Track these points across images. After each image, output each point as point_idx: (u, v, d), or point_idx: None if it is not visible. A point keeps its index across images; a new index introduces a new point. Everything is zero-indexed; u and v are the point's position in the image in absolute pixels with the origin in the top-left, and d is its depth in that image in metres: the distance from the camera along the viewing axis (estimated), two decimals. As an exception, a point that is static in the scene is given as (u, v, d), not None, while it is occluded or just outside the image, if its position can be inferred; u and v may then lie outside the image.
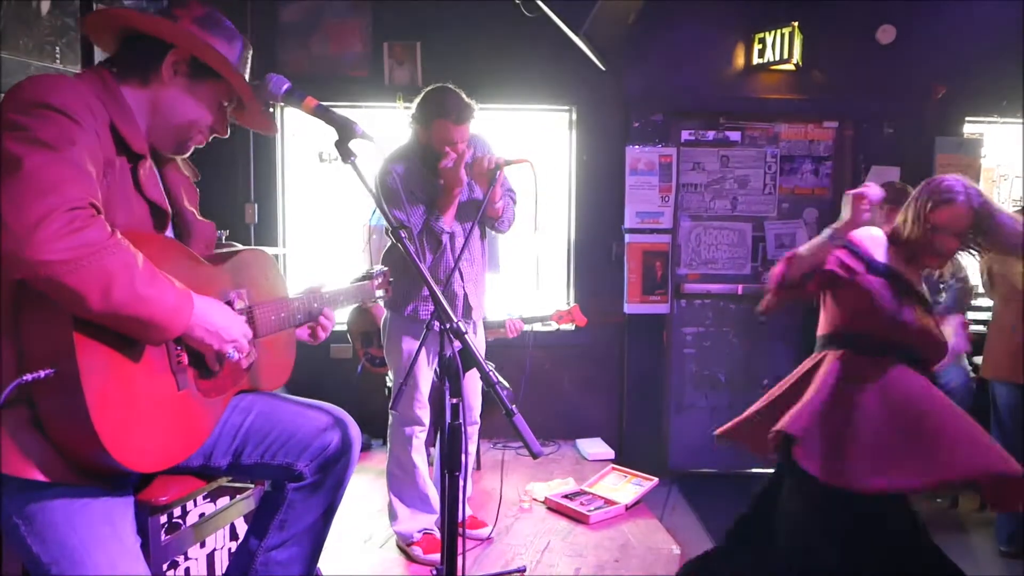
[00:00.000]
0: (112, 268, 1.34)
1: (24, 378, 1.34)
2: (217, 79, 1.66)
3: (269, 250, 4.18)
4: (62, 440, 1.42)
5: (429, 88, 3.00)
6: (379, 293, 2.25)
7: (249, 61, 1.76)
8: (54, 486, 1.45)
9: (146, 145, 1.62)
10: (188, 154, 1.76)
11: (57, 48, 3.39)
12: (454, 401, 1.63)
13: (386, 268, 2.29)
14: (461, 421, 1.64)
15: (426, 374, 3.11)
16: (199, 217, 1.81)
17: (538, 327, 4.75)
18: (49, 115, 1.38)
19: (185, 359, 1.60)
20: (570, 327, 4.74)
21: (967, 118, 4.71)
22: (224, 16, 1.70)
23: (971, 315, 4.27)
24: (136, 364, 1.48)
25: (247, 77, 1.74)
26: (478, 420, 3.34)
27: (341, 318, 4.08)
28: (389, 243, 3.16)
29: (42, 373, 1.35)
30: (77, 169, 1.36)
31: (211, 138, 1.76)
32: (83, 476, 1.47)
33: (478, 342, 3.29)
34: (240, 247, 1.93)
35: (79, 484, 1.48)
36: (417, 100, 3.01)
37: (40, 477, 1.42)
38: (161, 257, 1.48)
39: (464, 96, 2.94)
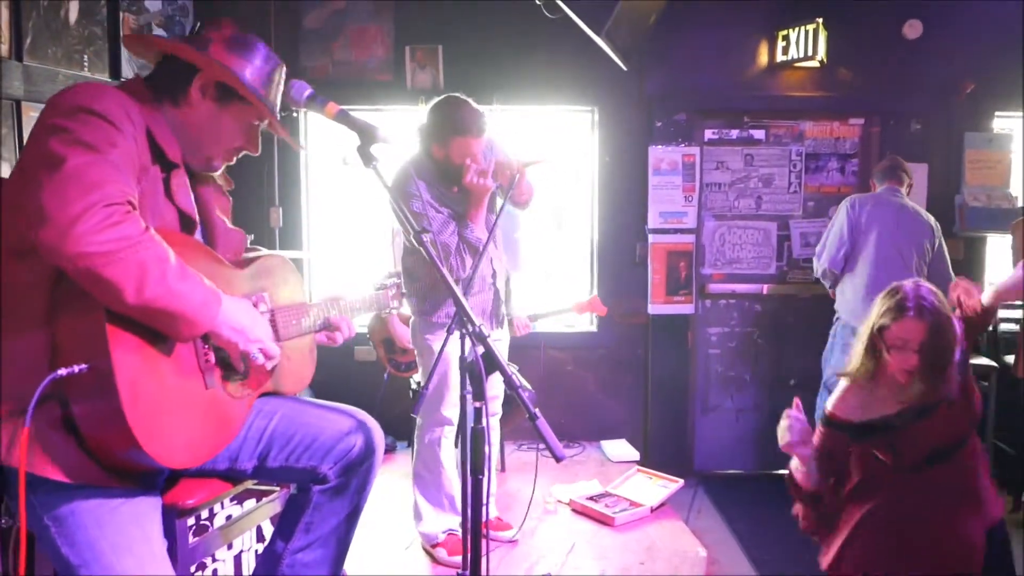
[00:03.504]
0: (146, 262, 1.38)
1: (59, 372, 1.38)
2: (245, 102, 1.69)
3: (293, 254, 4.24)
4: (94, 436, 1.45)
5: (437, 102, 2.95)
6: (394, 304, 2.25)
7: (282, 81, 1.77)
8: (85, 488, 1.48)
9: (180, 154, 1.66)
10: (218, 172, 1.80)
11: (85, 56, 3.45)
12: (477, 405, 1.64)
13: (399, 281, 2.29)
14: (484, 425, 1.64)
15: (458, 374, 3.11)
16: (230, 226, 1.85)
17: (562, 329, 4.76)
18: (91, 119, 1.44)
19: (212, 358, 1.63)
20: (593, 328, 4.77)
21: (996, 113, 4.62)
22: (257, 37, 1.72)
23: (1003, 313, 4.21)
24: (166, 361, 1.52)
25: (279, 97, 1.76)
26: (499, 411, 3.33)
27: (363, 322, 4.10)
28: (404, 248, 3.16)
29: (76, 368, 1.38)
30: (116, 170, 1.42)
31: (241, 155, 1.79)
32: (111, 478, 1.50)
33: (503, 333, 3.29)
34: (263, 251, 1.96)
35: (107, 486, 1.50)
36: (428, 114, 2.95)
37: (63, 478, 1.45)
38: (186, 257, 1.51)
39: (475, 105, 2.91)
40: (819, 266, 4.11)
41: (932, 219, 3.96)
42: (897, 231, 3.89)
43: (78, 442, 1.46)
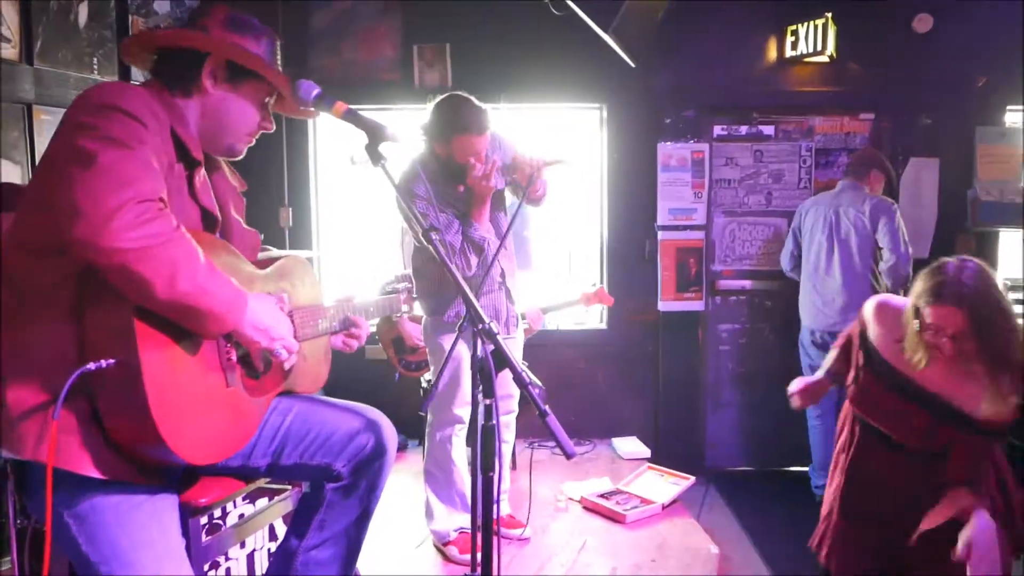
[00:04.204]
0: (178, 258, 1.40)
1: (87, 367, 1.39)
2: (256, 78, 1.70)
3: (303, 253, 4.26)
4: (120, 431, 1.46)
5: (438, 101, 2.94)
6: (404, 308, 2.27)
7: (279, 53, 1.79)
8: (107, 485, 1.49)
9: (202, 152, 1.67)
10: (240, 156, 1.79)
11: (95, 59, 3.47)
12: (487, 402, 1.64)
13: (409, 285, 2.31)
14: (494, 422, 1.64)
15: (469, 373, 3.11)
16: (245, 226, 1.87)
17: (573, 326, 4.76)
18: (119, 117, 1.45)
19: (234, 356, 1.64)
20: (603, 325, 4.77)
21: (1008, 107, 4.58)
22: (248, 14, 1.73)
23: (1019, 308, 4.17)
24: (191, 358, 1.53)
25: (280, 69, 1.78)
26: (515, 408, 3.32)
27: (372, 322, 4.12)
28: (415, 247, 3.16)
29: (104, 363, 1.40)
30: (147, 166, 1.43)
31: (258, 136, 1.80)
32: (137, 473, 1.51)
33: (517, 332, 3.27)
34: (278, 252, 1.97)
35: (132, 482, 1.51)
36: (430, 114, 2.94)
37: (96, 474, 1.45)
38: (211, 256, 1.52)
39: (476, 101, 2.91)
40: (784, 268, 4.34)
41: (876, 210, 3.85)
42: (829, 231, 3.98)
43: (105, 437, 1.47)
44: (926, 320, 2.06)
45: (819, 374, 2.54)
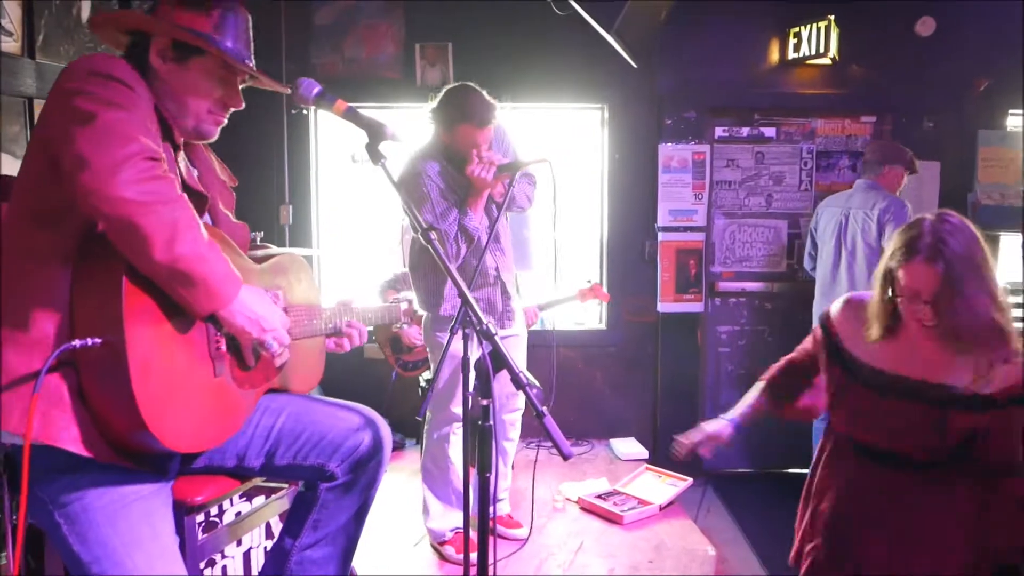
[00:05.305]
0: (180, 220, 1.38)
1: (72, 344, 1.38)
2: (203, 54, 1.63)
3: (303, 251, 4.25)
4: (102, 411, 1.45)
5: (449, 89, 2.98)
6: (404, 320, 2.25)
7: (246, 21, 1.71)
8: (98, 485, 1.48)
9: (180, 136, 1.66)
10: (214, 138, 1.74)
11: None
12: (484, 403, 1.63)
13: (411, 298, 2.29)
14: (492, 422, 1.64)
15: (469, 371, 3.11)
16: (234, 220, 1.85)
17: (572, 327, 4.76)
18: (110, 83, 1.44)
19: (224, 346, 1.62)
20: (602, 326, 4.76)
21: (1010, 111, 4.58)
22: (248, 8, 1.70)
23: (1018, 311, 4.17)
24: (179, 345, 1.51)
25: (248, 39, 1.71)
26: (521, 407, 3.31)
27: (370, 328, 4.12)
28: (413, 239, 3.17)
29: (90, 341, 1.39)
30: (145, 128, 1.43)
31: (229, 114, 1.72)
32: (124, 457, 1.49)
33: (520, 329, 3.27)
34: (276, 249, 1.96)
35: (119, 465, 1.49)
36: (438, 101, 2.98)
37: (81, 450, 1.43)
38: None
39: (486, 95, 2.91)
40: (806, 268, 4.31)
41: (885, 215, 3.75)
42: (838, 236, 3.94)
43: (91, 415, 1.45)
44: (901, 284, 1.78)
45: (730, 416, 2.24)
